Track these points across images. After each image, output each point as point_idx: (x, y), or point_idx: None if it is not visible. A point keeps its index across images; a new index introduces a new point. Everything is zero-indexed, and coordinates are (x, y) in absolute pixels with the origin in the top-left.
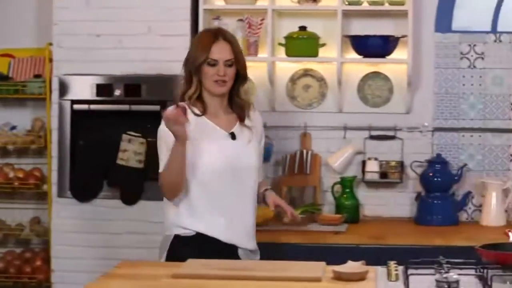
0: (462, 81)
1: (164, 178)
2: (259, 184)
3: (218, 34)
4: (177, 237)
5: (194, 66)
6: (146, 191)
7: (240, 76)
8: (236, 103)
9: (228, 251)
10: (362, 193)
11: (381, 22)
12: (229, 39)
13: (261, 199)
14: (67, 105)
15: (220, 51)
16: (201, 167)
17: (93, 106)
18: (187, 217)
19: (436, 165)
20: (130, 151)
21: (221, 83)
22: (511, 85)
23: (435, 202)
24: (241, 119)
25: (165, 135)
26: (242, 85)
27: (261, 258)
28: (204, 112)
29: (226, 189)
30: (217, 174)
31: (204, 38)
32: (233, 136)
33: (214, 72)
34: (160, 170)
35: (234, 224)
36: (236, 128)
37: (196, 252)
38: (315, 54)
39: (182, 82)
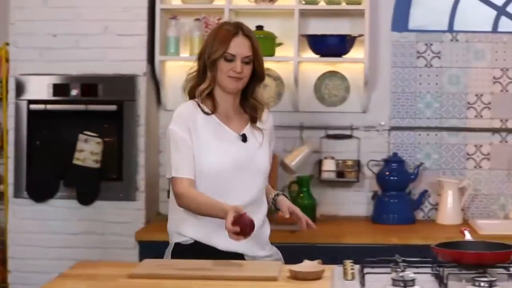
0: (419, 80)
1: (183, 198)
2: (267, 188)
3: (238, 28)
4: (177, 245)
5: (210, 60)
6: (102, 191)
7: (257, 75)
8: (250, 104)
9: (231, 259)
10: (319, 192)
11: (338, 22)
12: (249, 35)
13: (271, 204)
14: (23, 105)
15: (239, 46)
16: (206, 169)
17: (49, 106)
18: (188, 224)
19: (393, 164)
20: (87, 151)
21: (236, 80)
22: (467, 84)
23: (392, 201)
24: (254, 121)
25: (174, 135)
26: (258, 85)
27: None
28: (214, 110)
29: (232, 193)
30: (223, 177)
31: (224, 32)
32: (244, 138)
33: (230, 68)
34: (172, 174)
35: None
36: (247, 130)
37: None
38: (272, 54)
39: (193, 75)
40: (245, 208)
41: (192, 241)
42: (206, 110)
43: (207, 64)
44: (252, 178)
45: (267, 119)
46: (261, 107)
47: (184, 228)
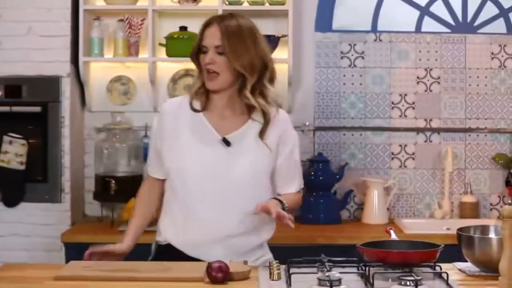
0: (343, 80)
1: (139, 192)
2: (286, 196)
3: (214, 19)
4: (156, 244)
5: (191, 56)
6: (27, 192)
7: (241, 72)
8: (249, 104)
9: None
10: None
11: (261, 22)
12: (226, 24)
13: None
14: None
15: (210, 37)
16: (176, 170)
17: None
18: (162, 223)
19: (318, 164)
20: (11, 152)
21: (212, 74)
22: (391, 84)
23: (317, 201)
24: (262, 130)
25: (152, 128)
26: (250, 82)
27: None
28: (204, 108)
29: (203, 200)
30: (194, 181)
31: (202, 25)
32: (226, 142)
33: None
34: (148, 171)
35: (210, 240)
36: (238, 133)
37: None
38: None
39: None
40: (217, 218)
41: (166, 242)
42: (196, 107)
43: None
44: (229, 185)
45: (277, 120)
46: (267, 113)
47: (161, 227)
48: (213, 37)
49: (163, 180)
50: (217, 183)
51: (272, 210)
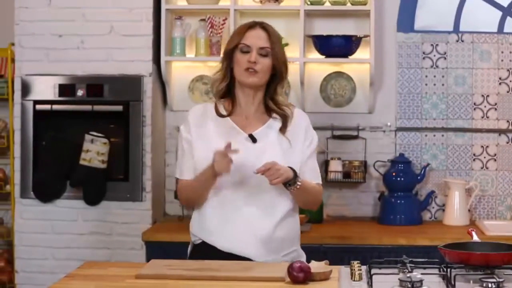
0: (425, 80)
1: (181, 190)
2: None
3: (257, 23)
4: (192, 245)
5: (225, 52)
6: (108, 191)
7: (277, 74)
8: (270, 107)
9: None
10: (326, 193)
11: (343, 22)
12: (268, 29)
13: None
14: (29, 105)
15: (254, 37)
16: None
17: (55, 106)
18: (197, 223)
19: (399, 165)
20: (93, 151)
21: (252, 72)
22: (474, 84)
23: (398, 201)
24: (282, 129)
25: (180, 136)
26: (280, 85)
27: None
28: (230, 113)
29: (236, 196)
30: (228, 179)
31: (241, 26)
32: (253, 138)
33: (246, 60)
34: (176, 175)
35: (242, 234)
36: (261, 131)
37: None
38: None
39: (218, 75)
40: (248, 211)
41: (200, 241)
42: (223, 112)
43: (225, 59)
44: (256, 180)
45: (296, 117)
46: (280, 113)
47: (195, 227)
48: (259, 39)
49: None
50: (248, 178)
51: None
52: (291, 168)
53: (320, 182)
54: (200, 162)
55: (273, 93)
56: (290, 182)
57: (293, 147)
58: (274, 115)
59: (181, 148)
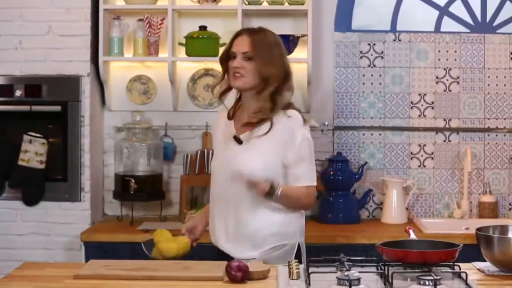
0: (362, 80)
1: None
2: (289, 186)
3: (244, 30)
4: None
5: (220, 61)
6: (47, 192)
7: (262, 75)
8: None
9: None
10: None
11: (281, 22)
12: (252, 35)
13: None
14: None
15: (239, 44)
16: (211, 172)
17: None
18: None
19: (337, 164)
20: (31, 151)
21: (237, 77)
22: (411, 83)
23: (336, 200)
24: (269, 128)
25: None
26: (283, 87)
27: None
28: (233, 116)
29: (225, 195)
30: (217, 180)
31: (233, 36)
32: (238, 140)
33: (231, 65)
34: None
35: (230, 232)
36: (250, 134)
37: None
38: (215, 54)
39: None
40: (234, 210)
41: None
42: (230, 115)
43: (222, 67)
44: (235, 181)
45: (290, 120)
46: (265, 110)
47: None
48: (242, 45)
49: None
50: (229, 179)
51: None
52: (270, 180)
53: (311, 184)
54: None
55: (275, 95)
56: (267, 195)
57: (280, 148)
58: (263, 115)
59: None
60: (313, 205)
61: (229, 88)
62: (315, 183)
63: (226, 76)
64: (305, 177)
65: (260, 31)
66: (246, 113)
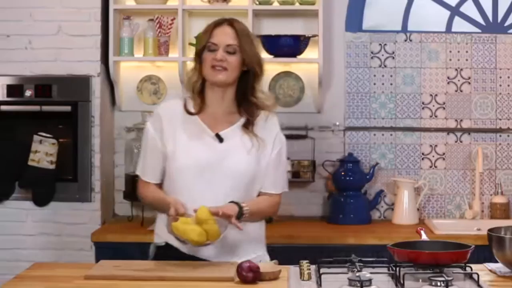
0: (373, 80)
1: (141, 193)
2: (264, 195)
3: (224, 20)
4: (155, 246)
5: (196, 53)
6: (58, 192)
7: (250, 71)
8: (247, 103)
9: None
10: None
11: (292, 22)
12: (235, 26)
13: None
14: None
15: (221, 35)
16: (177, 170)
17: (3, 107)
18: (160, 223)
19: (348, 164)
20: (42, 152)
21: (218, 69)
22: (421, 84)
23: (347, 201)
24: (246, 125)
25: (146, 132)
26: (256, 82)
27: None
28: (199, 111)
29: (197, 195)
30: (193, 179)
31: (209, 25)
32: (219, 138)
33: (212, 57)
34: (138, 172)
35: None
36: (229, 131)
37: None
38: None
39: (190, 75)
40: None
41: (164, 243)
42: (191, 110)
43: (195, 59)
44: (221, 180)
45: (269, 124)
46: (260, 107)
47: (159, 227)
48: (226, 36)
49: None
50: (213, 178)
51: (229, 213)
52: (235, 202)
53: (279, 191)
54: (170, 156)
55: (250, 91)
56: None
57: (261, 151)
58: (244, 113)
59: (145, 144)
60: (277, 213)
61: (201, 81)
62: (281, 190)
63: (198, 68)
64: (281, 183)
65: (238, 21)
66: (220, 108)
